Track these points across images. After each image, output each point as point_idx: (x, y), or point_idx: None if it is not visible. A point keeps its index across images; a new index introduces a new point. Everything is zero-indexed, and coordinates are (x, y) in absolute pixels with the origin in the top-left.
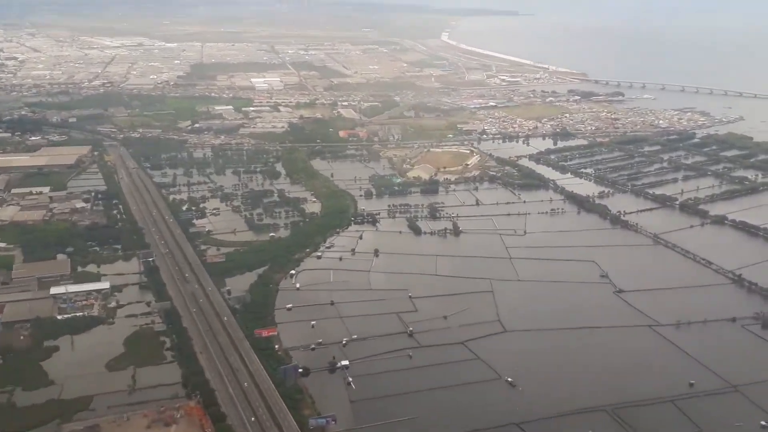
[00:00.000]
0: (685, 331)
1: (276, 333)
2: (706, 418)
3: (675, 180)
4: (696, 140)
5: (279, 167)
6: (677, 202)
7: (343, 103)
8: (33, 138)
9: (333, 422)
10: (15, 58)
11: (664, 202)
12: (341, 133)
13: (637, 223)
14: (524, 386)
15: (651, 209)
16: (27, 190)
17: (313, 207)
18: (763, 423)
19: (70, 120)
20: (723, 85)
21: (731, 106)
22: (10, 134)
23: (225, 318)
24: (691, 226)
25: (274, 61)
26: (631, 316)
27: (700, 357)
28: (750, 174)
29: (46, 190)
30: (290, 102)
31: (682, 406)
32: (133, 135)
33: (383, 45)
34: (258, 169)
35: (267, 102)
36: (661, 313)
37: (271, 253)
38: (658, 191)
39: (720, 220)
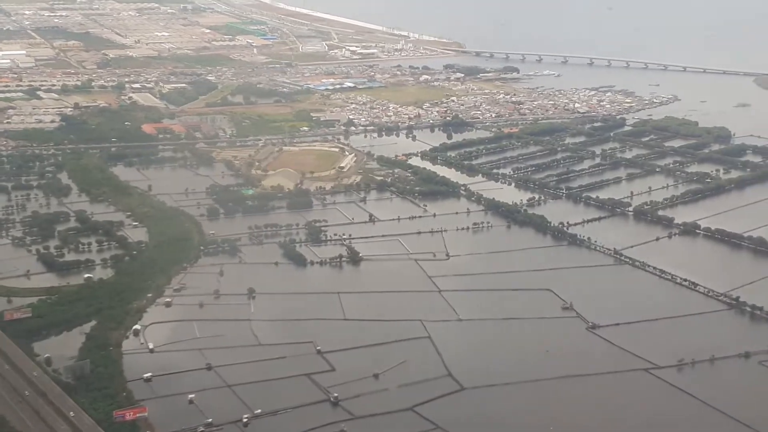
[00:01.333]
0: (691, 374)
1: (146, 413)
2: None
3: (618, 180)
4: (628, 128)
5: (64, 179)
6: (630, 209)
7: (134, 85)
8: None
9: None
10: None
11: (614, 208)
12: (145, 128)
13: (588, 238)
14: None
15: (600, 218)
16: None
17: (137, 234)
18: None
19: None
20: (642, 57)
21: (659, 83)
22: None
23: (56, 399)
24: (657, 239)
25: (6, 26)
26: (619, 359)
27: (722, 406)
28: (708, 169)
29: None
30: (53, 85)
31: None
32: None
33: (166, 3)
34: (34, 183)
35: (17, 86)
36: (654, 353)
37: (95, 302)
38: (601, 195)
39: (691, 230)
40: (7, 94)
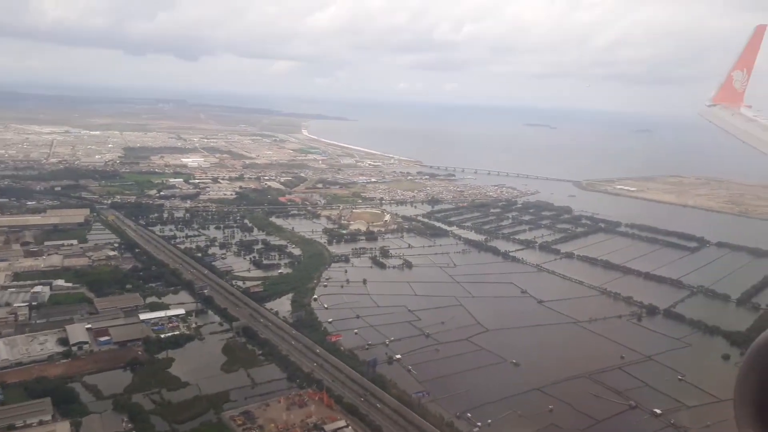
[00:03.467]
0: (595, 324)
1: (341, 338)
2: (645, 377)
3: (524, 230)
4: (519, 205)
5: (247, 223)
6: (537, 244)
7: (265, 178)
8: (30, 203)
9: (427, 394)
10: None
11: (528, 244)
12: (281, 199)
13: (522, 258)
14: (525, 365)
15: (523, 249)
16: (60, 242)
17: (295, 251)
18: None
19: (55, 189)
20: (510, 170)
21: (526, 184)
22: (6, 200)
23: (291, 330)
24: (555, 259)
25: (187, 146)
26: (559, 317)
27: (618, 340)
28: (566, 226)
29: (74, 242)
30: (224, 177)
31: (628, 370)
32: (116, 200)
33: (263, 137)
34: (234, 225)
35: (205, 177)
36: (577, 314)
37: (289, 284)
38: (519, 237)
39: (570, 255)
40: (202, 180)
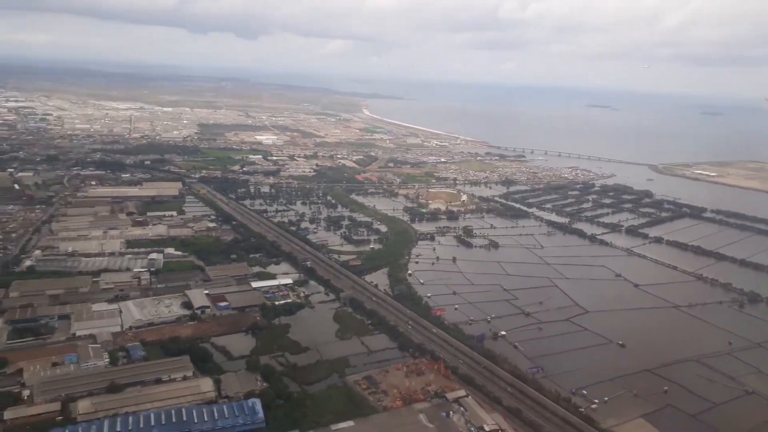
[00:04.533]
0: (695, 309)
1: (445, 312)
2: (758, 364)
3: (606, 213)
4: (597, 188)
5: (330, 200)
6: (623, 228)
7: (338, 156)
8: (124, 175)
9: (541, 370)
10: (49, 115)
11: (614, 227)
12: (358, 177)
13: (610, 241)
14: (631, 347)
15: (609, 232)
16: (161, 213)
17: (381, 228)
18: None
19: (145, 163)
20: (582, 152)
21: (600, 167)
22: (103, 172)
23: (394, 303)
24: (644, 243)
25: (257, 124)
26: (657, 301)
27: (723, 326)
28: (649, 210)
29: (173, 213)
30: (299, 155)
31: (738, 356)
32: (203, 175)
33: (326, 116)
34: (318, 202)
35: (281, 154)
36: (675, 299)
37: (383, 259)
38: (603, 220)
39: (659, 240)
40: (279, 158)
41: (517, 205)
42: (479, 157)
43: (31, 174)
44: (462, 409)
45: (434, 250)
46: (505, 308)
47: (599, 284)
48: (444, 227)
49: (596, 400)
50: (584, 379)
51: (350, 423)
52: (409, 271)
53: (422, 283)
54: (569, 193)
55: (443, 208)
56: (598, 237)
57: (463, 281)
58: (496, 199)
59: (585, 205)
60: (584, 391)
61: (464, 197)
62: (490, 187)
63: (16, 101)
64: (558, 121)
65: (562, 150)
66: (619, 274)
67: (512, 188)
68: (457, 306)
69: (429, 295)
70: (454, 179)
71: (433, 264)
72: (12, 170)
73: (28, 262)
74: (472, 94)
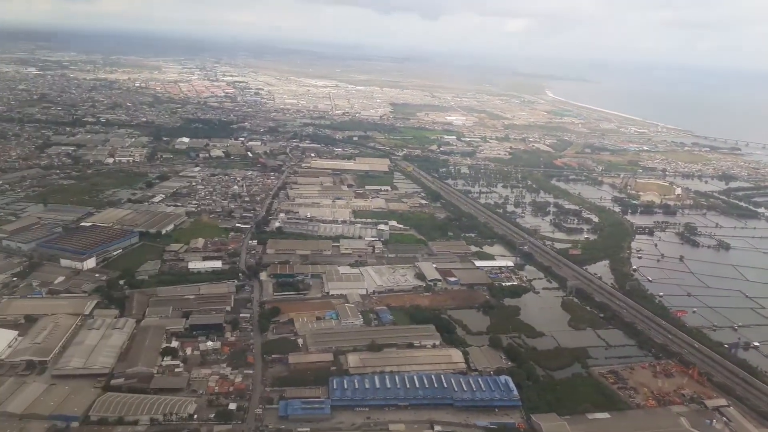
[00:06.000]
0: None
1: (686, 315)
2: None
3: None
4: None
5: (531, 184)
6: None
7: (530, 139)
8: (336, 149)
9: None
10: (261, 90)
11: None
12: (556, 162)
13: None
14: None
15: None
16: (377, 187)
17: (592, 217)
18: None
19: (353, 138)
20: None
21: None
22: (319, 146)
23: (625, 299)
24: None
25: (444, 104)
26: None
27: None
28: None
29: (387, 188)
30: (490, 136)
31: None
32: (406, 153)
33: (509, 97)
34: (519, 186)
35: (473, 136)
36: None
37: (601, 251)
38: None
39: None
40: (472, 139)
41: (743, 204)
42: (686, 148)
43: (258, 143)
44: (724, 419)
45: (656, 246)
46: (752, 317)
47: None
48: (662, 222)
49: None
50: None
51: (606, 415)
52: (633, 267)
53: (651, 281)
54: None
55: (657, 201)
56: None
57: (697, 283)
58: (716, 195)
59: None
60: None
61: (678, 191)
62: (706, 182)
63: (231, 76)
64: None
65: None
66: None
67: (732, 184)
68: (695, 309)
69: (661, 294)
70: (663, 170)
71: (658, 261)
72: (242, 139)
73: (276, 224)
74: (666, 76)
